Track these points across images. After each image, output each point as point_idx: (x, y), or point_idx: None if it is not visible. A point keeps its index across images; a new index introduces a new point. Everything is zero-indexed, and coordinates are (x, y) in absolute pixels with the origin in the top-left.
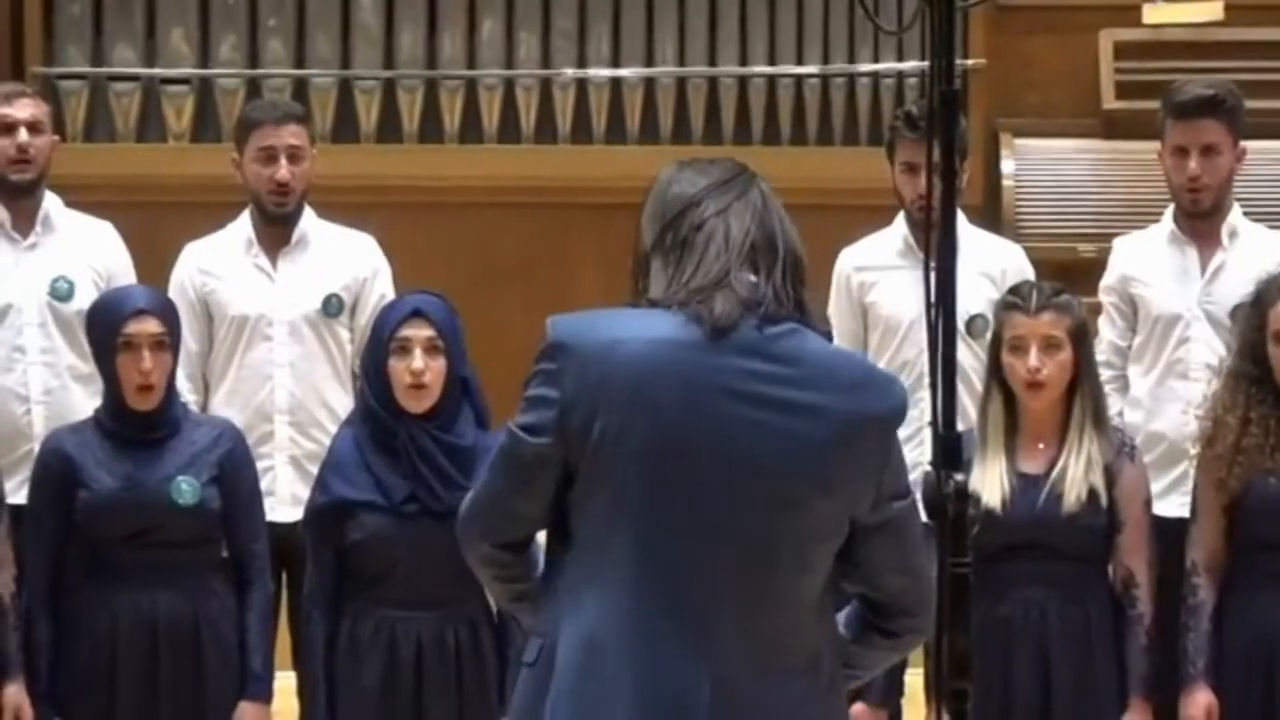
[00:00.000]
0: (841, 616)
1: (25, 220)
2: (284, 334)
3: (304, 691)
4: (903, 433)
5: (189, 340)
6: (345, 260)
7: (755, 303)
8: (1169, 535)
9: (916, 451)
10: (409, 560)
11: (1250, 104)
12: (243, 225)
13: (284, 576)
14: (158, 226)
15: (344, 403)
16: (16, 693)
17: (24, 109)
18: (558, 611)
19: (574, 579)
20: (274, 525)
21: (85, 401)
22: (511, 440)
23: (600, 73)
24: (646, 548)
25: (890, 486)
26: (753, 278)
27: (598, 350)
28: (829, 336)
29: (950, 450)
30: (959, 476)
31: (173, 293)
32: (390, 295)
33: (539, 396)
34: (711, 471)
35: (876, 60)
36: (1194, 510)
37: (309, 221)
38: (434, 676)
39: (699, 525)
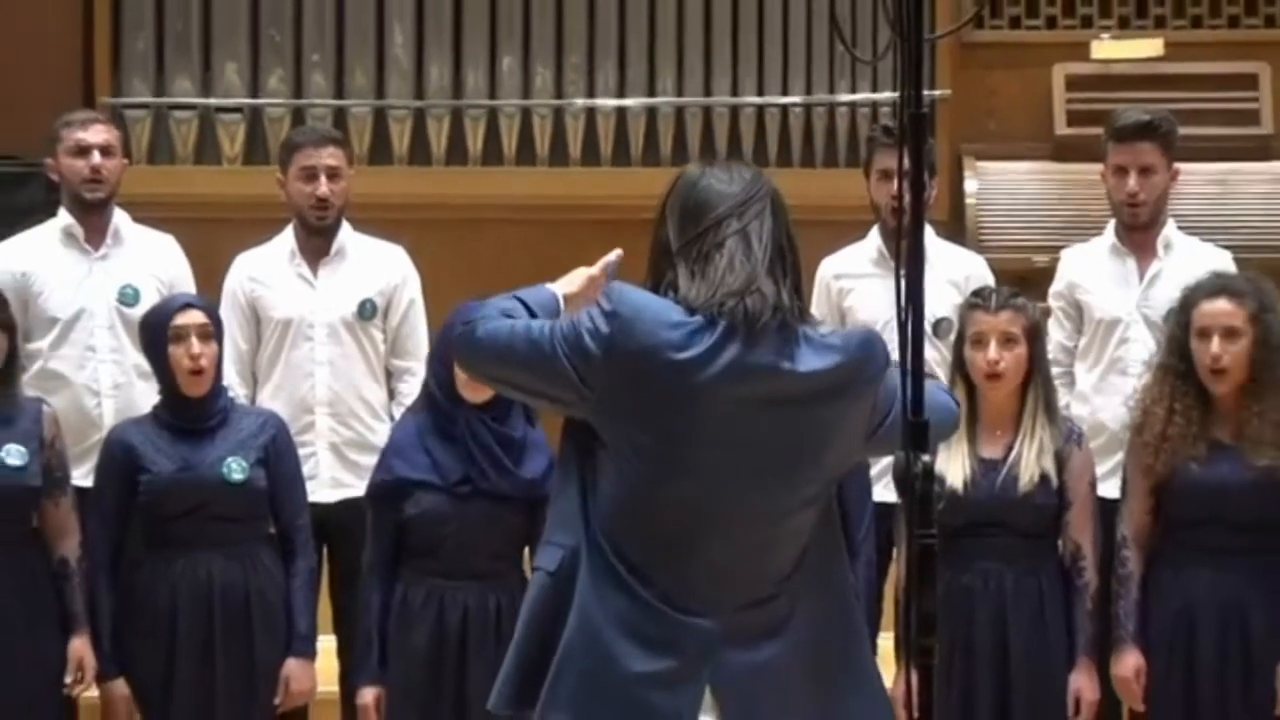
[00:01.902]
0: None
1: (97, 233)
2: (324, 335)
3: (351, 650)
4: None
5: (239, 340)
6: (379, 269)
7: (775, 308)
8: (1111, 515)
9: None
10: (459, 535)
11: (1184, 130)
12: (287, 238)
13: (324, 550)
14: (213, 240)
15: (378, 396)
16: (81, 644)
17: (97, 134)
18: (582, 529)
19: (605, 509)
20: (315, 505)
21: (148, 396)
22: (551, 344)
23: (607, 102)
24: (677, 502)
25: (883, 408)
26: (772, 286)
27: (647, 337)
28: None
29: (918, 435)
30: (926, 458)
31: (224, 298)
32: (418, 301)
33: (583, 345)
34: (745, 443)
35: (854, 91)
36: (1124, 491)
37: (346, 234)
38: (478, 639)
39: (726, 491)
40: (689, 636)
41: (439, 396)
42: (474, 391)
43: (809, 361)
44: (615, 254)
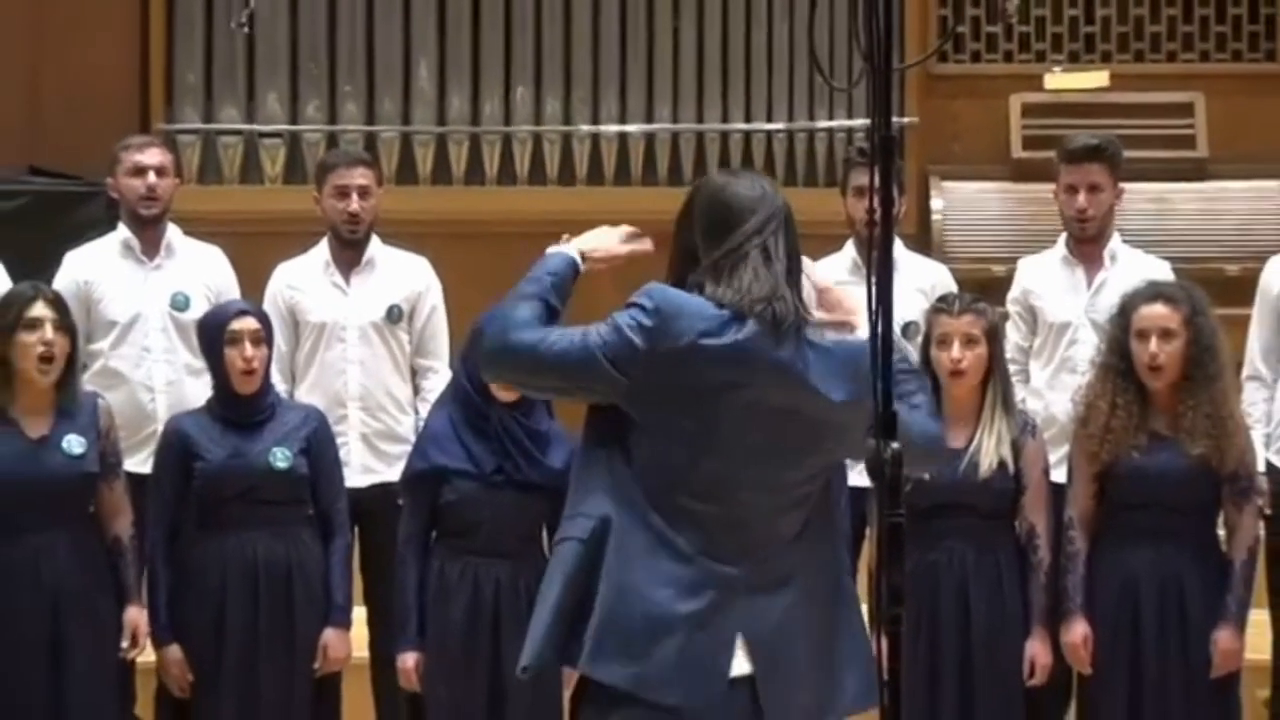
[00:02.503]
0: None
1: (151, 246)
2: (355, 337)
3: (385, 620)
4: None
5: (279, 341)
6: (404, 278)
7: (795, 313)
8: (1062, 499)
9: None
10: (493, 519)
11: (1128, 153)
12: (322, 250)
13: (355, 530)
14: (255, 251)
15: (404, 391)
16: (135, 613)
17: (153, 157)
18: (609, 502)
19: (640, 482)
20: (347, 490)
21: (197, 392)
22: (589, 353)
23: (610, 129)
24: (708, 474)
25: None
26: (792, 293)
27: (690, 316)
28: None
29: (887, 425)
30: (895, 445)
31: (266, 304)
32: (440, 306)
33: (625, 340)
34: (767, 428)
35: (831, 118)
36: (1070, 477)
37: (375, 246)
38: (509, 612)
39: (749, 467)
40: (720, 581)
41: (472, 394)
42: (505, 390)
43: (827, 380)
44: (646, 244)
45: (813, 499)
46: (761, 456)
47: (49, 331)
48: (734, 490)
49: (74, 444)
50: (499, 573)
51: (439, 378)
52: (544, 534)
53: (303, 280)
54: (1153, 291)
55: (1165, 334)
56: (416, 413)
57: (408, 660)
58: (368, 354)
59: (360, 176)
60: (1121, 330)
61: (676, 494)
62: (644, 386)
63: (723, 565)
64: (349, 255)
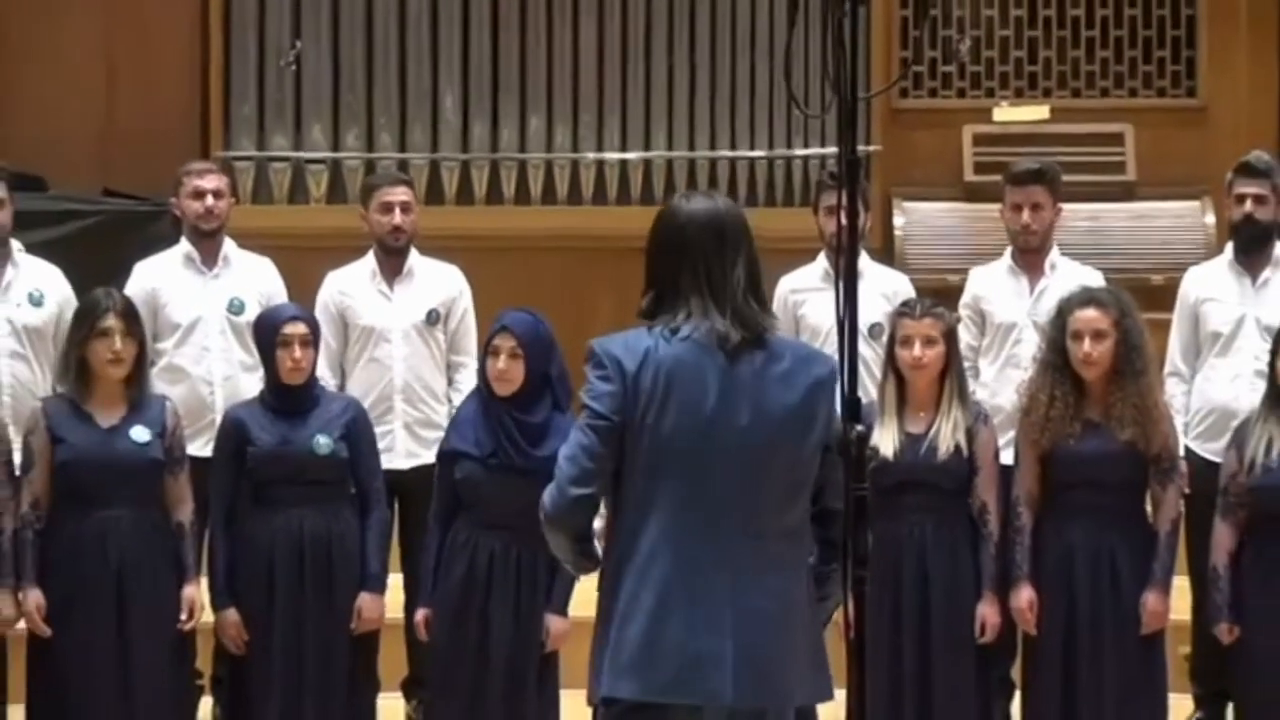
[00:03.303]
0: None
1: (210, 258)
2: (399, 338)
3: (416, 583)
4: None
5: (330, 340)
6: (441, 285)
7: (754, 319)
8: (1010, 479)
9: None
10: (490, 497)
11: (1067, 177)
12: (369, 260)
13: (396, 506)
14: (301, 263)
15: (441, 385)
16: (192, 591)
17: (211, 181)
18: (617, 541)
19: (632, 519)
20: (393, 471)
21: (250, 384)
22: (594, 420)
23: (612, 156)
24: (683, 496)
25: (834, 421)
26: (747, 308)
27: (635, 359)
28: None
29: (853, 409)
30: (860, 427)
31: (318, 307)
32: (470, 309)
33: (604, 391)
34: (730, 440)
35: (805, 147)
36: (1016, 460)
37: (415, 258)
38: (499, 577)
39: (721, 475)
40: (707, 581)
41: (483, 388)
42: (502, 385)
43: (776, 389)
44: None
45: (791, 500)
46: (732, 465)
47: (118, 340)
48: (716, 494)
49: (140, 434)
50: (494, 543)
51: (469, 372)
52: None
53: (352, 287)
54: (1086, 297)
55: (1097, 335)
56: (450, 403)
57: (419, 615)
58: (410, 352)
59: (402, 194)
60: (1059, 331)
61: (664, 509)
62: (636, 423)
63: (712, 568)
64: (392, 265)
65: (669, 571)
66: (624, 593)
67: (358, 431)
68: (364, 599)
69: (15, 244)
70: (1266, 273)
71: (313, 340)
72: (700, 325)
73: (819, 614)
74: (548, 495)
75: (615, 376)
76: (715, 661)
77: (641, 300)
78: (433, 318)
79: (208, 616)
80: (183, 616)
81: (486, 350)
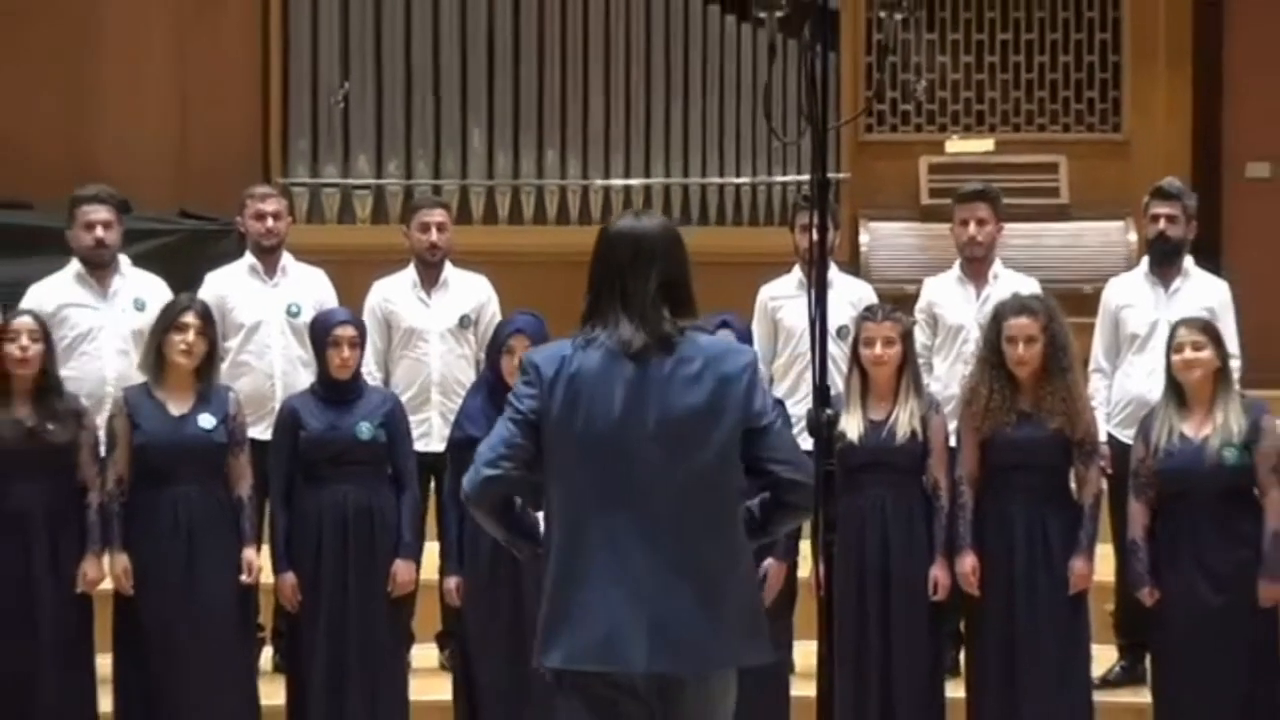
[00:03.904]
0: (754, 504)
1: (271, 269)
2: (435, 339)
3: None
4: (797, 391)
5: (376, 340)
6: (472, 293)
7: (659, 327)
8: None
9: (805, 402)
10: None
11: (1008, 201)
12: (410, 272)
13: (432, 483)
14: (349, 274)
15: (471, 379)
16: (251, 554)
17: (272, 204)
18: (549, 529)
19: (555, 507)
20: (430, 453)
21: (304, 378)
22: (514, 415)
23: (616, 182)
24: (596, 487)
25: (754, 405)
26: (663, 312)
27: (553, 366)
28: (716, 330)
29: (823, 397)
30: (829, 411)
31: (365, 312)
32: (497, 314)
33: (525, 394)
34: (632, 436)
35: (784, 174)
36: (960, 444)
37: (449, 269)
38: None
39: (635, 464)
40: (627, 564)
41: (493, 380)
42: (512, 376)
43: (681, 389)
44: None
45: (708, 484)
46: (643, 456)
47: (191, 335)
48: (632, 484)
49: (207, 420)
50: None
51: None
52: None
53: (395, 294)
54: (1018, 305)
55: (1029, 339)
56: None
57: (450, 583)
58: (445, 351)
59: (439, 216)
60: (995, 334)
61: (586, 499)
62: (552, 422)
63: (631, 550)
64: (430, 276)
65: (588, 551)
66: (550, 571)
67: (395, 420)
68: (398, 565)
69: (123, 257)
70: (1177, 282)
71: (359, 341)
72: (613, 334)
73: (754, 573)
74: (465, 478)
75: (535, 382)
76: (630, 632)
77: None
78: (465, 321)
79: (268, 577)
80: (243, 577)
81: (501, 348)
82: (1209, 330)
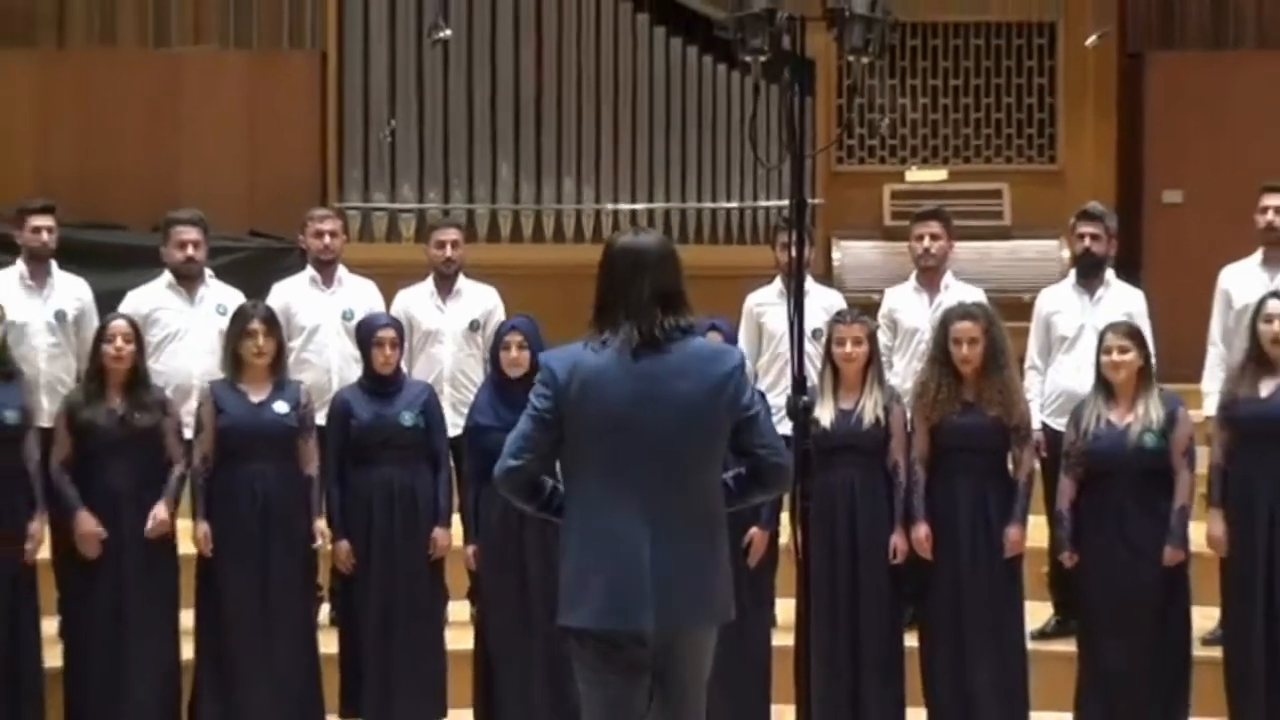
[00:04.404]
0: (729, 477)
1: (328, 280)
2: (449, 340)
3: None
4: (778, 385)
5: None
6: (480, 301)
7: (653, 329)
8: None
9: (785, 393)
10: None
11: (959, 222)
12: (428, 283)
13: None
14: (395, 286)
15: (479, 375)
16: (321, 524)
17: (329, 224)
18: (568, 505)
19: (571, 486)
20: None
21: (355, 372)
22: (526, 420)
23: (624, 206)
24: (606, 470)
25: (743, 400)
26: (659, 314)
27: (566, 368)
28: (707, 332)
29: (800, 387)
30: (806, 399)
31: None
32: (503, 320)
33: (543, 395)
34: (636, 423)
35: (767, 200)
36: (913, 430)
37: (462, 280)
38: (530, 521)
39: (637, 449)
40: (626, 532)
41: (496, 376)
42: (514, 370)
43: (675, 383)
44: None
45: (698, 465)
46: (643, 442)
47: (260, 338)
48: (637, 466)
49: (281, 408)
50: None
51: None
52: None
53: (414, 301)
54: (962, 312)
55: (971, 341)
56: None
57: (468, 551)
58: (456, 351)
59: (451, 234)
60: (943, 337)
61: (597, 479)
62: (567, 412)
63: (636, 523)
64: (445, 286)
65: (597, 524)
66: (567, 541)
67: (431, 409)
68: (437, 532)
69: (208, 271)
70: (1100, 291)
71: (399, 342)
72: (617, 335)
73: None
74: (496, 466)
75: (550, 383)
76: (638, 595)
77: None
78: (474, 325)
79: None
80: (317, 543)
81: (499, 345)
82: (1134, 335)
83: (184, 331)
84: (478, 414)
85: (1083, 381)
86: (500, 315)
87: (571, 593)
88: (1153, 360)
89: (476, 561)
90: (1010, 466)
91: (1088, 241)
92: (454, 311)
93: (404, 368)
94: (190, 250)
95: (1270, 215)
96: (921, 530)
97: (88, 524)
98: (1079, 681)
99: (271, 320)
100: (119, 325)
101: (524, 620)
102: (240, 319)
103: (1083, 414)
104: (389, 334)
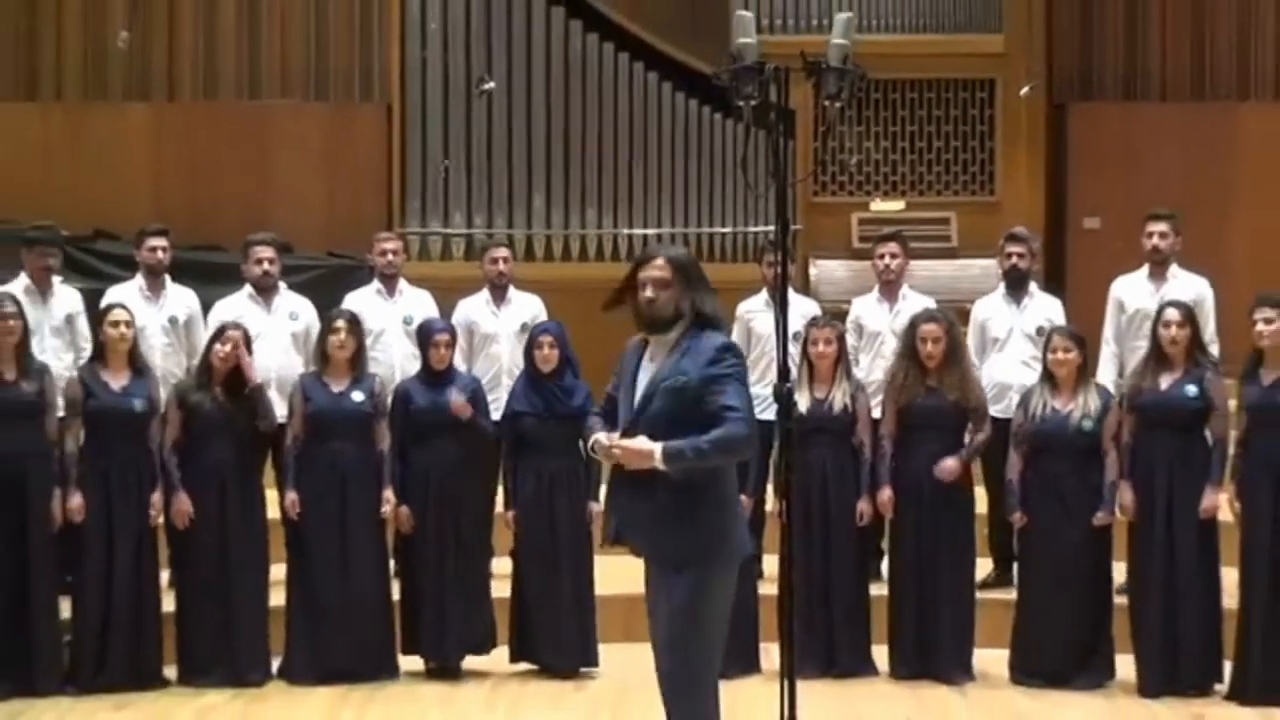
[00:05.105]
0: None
1: (392, 290)
2: (504, 340)
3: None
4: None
5: (462, 342)
6: (528, 308)
7: (673, 321)
8: (877, 426)
9: (771, 384)
10: (544, 435)
11: (914, 244)
12: (484, 292)
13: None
14: (447, 296)
15: None
16: (390, 493)
17: (392, 245)
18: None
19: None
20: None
21: (414, 367)
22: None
23: (637, 231)
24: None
25: (713, 372)
26: (690, 311)
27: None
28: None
29: (784, 377)
30: (789, 385)
31: (455, 320)
32: None
33: (616, 375)
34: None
35: (756, 225)
36: (884, 411)
37: (512, 291)
38: (560, 485)
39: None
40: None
41: (530, 371)
42: (545, 365)
43: (686, 363)
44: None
45: (687, 421)
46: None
47: (343, 335)
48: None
49: (358, 396)
50: (553, 466)
51: None
52: (580, 444)
53: (474, 310)
54: (928, 316)
55: (935, 340)
56: None
57: (508, 514)
58: (510, 349)
59: (503, 253)
60: (911, 336)
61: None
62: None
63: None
64: (498, 295)
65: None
66: (730, 490)
67: (476, 395)
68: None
69: (282, 284)
70: (1026, 301)
71: (451, 343)
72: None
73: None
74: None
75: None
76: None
77: None
78: (524, 328)
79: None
80: (385, 509)
81: (533, 345)
82: (1076, 338)
83: (262, 334)
84: (514, 402)
85: (1011, 374)
86: (544, 319)
87: (741, 528)
88: (1089, 359)
89: (516, 524)
90: (966, 439)
91: (1014, 259)
92: (507, 316)
93: (460, 364)
94: (266, 266)
95: (1155, 239)
96: (885, 494)
97: (182, 503)
98: (1016, 623)
99: (354, 322)
100: (234, 335)
101: (554, 570)
102: (329, 321)
103: (1030, 400)
104: (444, 337)
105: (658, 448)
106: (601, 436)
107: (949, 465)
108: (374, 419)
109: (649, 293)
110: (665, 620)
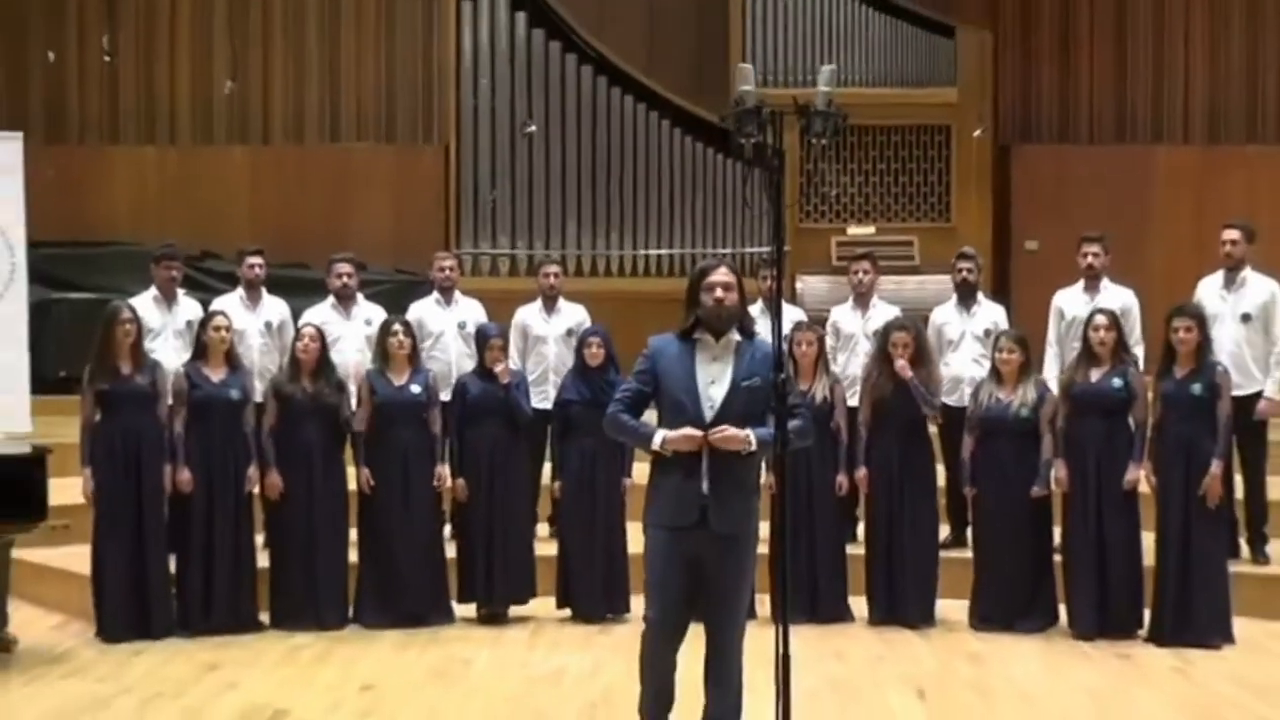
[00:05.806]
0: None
1: (449, 300)
2: (552, 343)
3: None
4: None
5: (516, 340)
6: (574, 315)
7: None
8: (854, 415)
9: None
10: (585, 421)
11: (883, 262)
12: (538, 302)
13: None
14: (497, 306)
15: None
16: (442, 470)
17: (449, 261)
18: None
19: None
20: (547, 410)
21: (469, 366)
22: (634, 375)
23: (653, 252)
24: (675, 413)
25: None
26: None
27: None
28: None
29: (780, 370)
30: (784, 375)
31: (513, 326)
32: None
33: (639, 368)
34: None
35: (754, 247)
36: (861, 401)
37: (561, 301)
38: (600, 462)
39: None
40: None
41: (580, 366)
42: (594, 361)
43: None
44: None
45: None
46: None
47: (400, 337)
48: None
49: (415, 389)
50: (597, 446)
51: None
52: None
53: (529, 316)
54: (899, 324)
55: (905, 345)
56: None
57: (555, 486)
58: (559, 350)
59: (554, 269)
60: (884, 341)
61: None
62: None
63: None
64: (549, 304)
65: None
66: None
67: (521, 390)
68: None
69: (360, 295)
70: (975, 308)
71: (504, 346)
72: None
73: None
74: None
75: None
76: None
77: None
78: (570, 333)
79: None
80: (435, 483)
81: (583, 345)
82: (1020, 340)
83: (342, 337)
84: (565, 391)
85: (963, 370)
86: (588, 325)
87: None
88: (1031, 358)
89: (561, 493)
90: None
91: (964, 273)
92: (555, 322)
93: (515, 361)
94: (345, 279)
95: (1089, 258)
96: (861, 472)
97: (275, 480)
98: (975, 579)
99: (408, 326)
100: (308, 330)
101: (591, 532)
102: (388, 325)
103: (980, 392)
104: (498, 341)
105: (752, 434)
106: (689, 430)
107: (902, 364)
108: (428, 407)
109: (719, 294)
110: (720, 577)
